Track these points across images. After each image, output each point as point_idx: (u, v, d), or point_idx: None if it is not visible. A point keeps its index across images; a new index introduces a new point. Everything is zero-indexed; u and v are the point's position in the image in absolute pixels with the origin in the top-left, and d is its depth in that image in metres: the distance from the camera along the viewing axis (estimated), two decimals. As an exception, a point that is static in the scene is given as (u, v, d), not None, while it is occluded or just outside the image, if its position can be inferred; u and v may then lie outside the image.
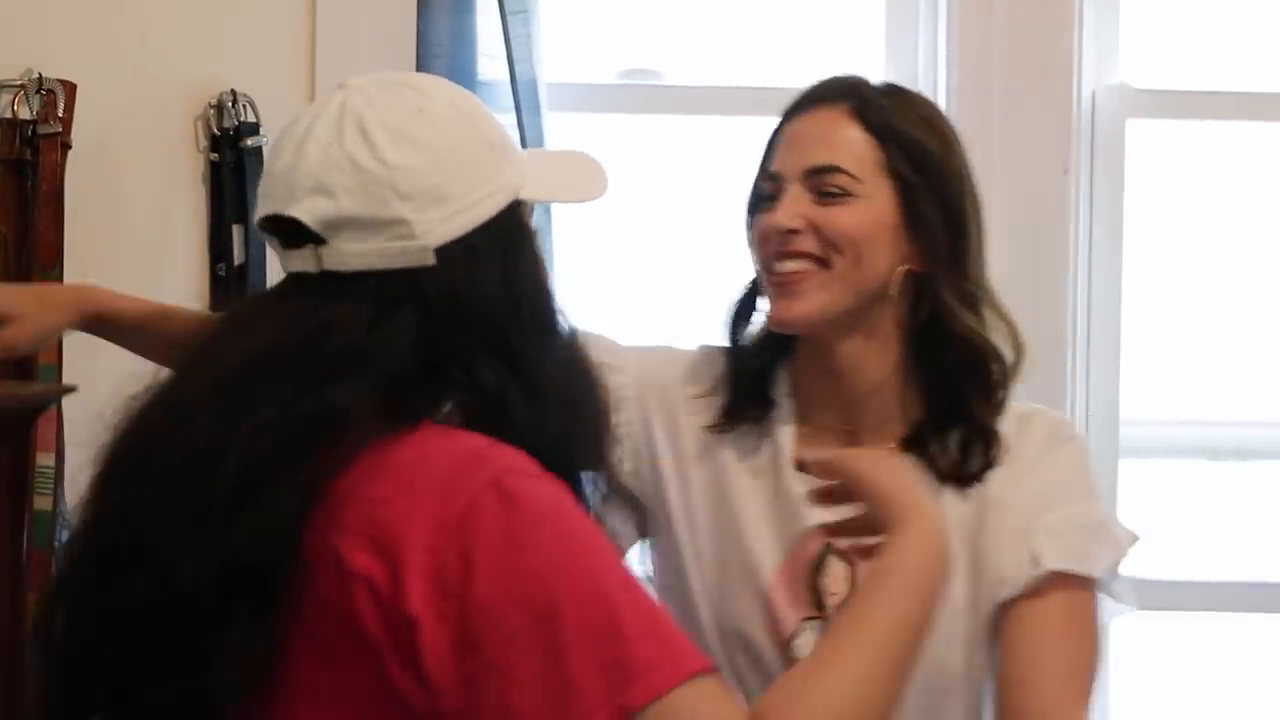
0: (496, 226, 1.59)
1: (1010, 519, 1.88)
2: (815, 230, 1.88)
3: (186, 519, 1.50)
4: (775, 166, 1.92)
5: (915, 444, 1.91)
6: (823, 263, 1.88)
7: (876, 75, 2.79)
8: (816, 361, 1.94)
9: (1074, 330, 2.79)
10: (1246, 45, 2.94)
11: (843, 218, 1.87)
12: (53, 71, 2.61)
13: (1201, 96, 2.90)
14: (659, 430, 1.99)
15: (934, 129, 1.94)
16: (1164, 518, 2.95)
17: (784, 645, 1.89)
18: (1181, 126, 2.93)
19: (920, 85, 2.82)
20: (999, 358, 1.92)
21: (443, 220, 1.57)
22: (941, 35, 2.80)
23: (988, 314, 1.93)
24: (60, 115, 2.60)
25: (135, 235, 2.69)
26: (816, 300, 1.88)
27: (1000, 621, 1.86)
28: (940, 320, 1.90)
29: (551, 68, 2.75)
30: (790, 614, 1.89)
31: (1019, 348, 1.94)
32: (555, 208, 2.66)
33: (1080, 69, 2.82)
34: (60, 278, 2.59)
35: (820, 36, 2.90)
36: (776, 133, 1.95)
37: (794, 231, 1.87)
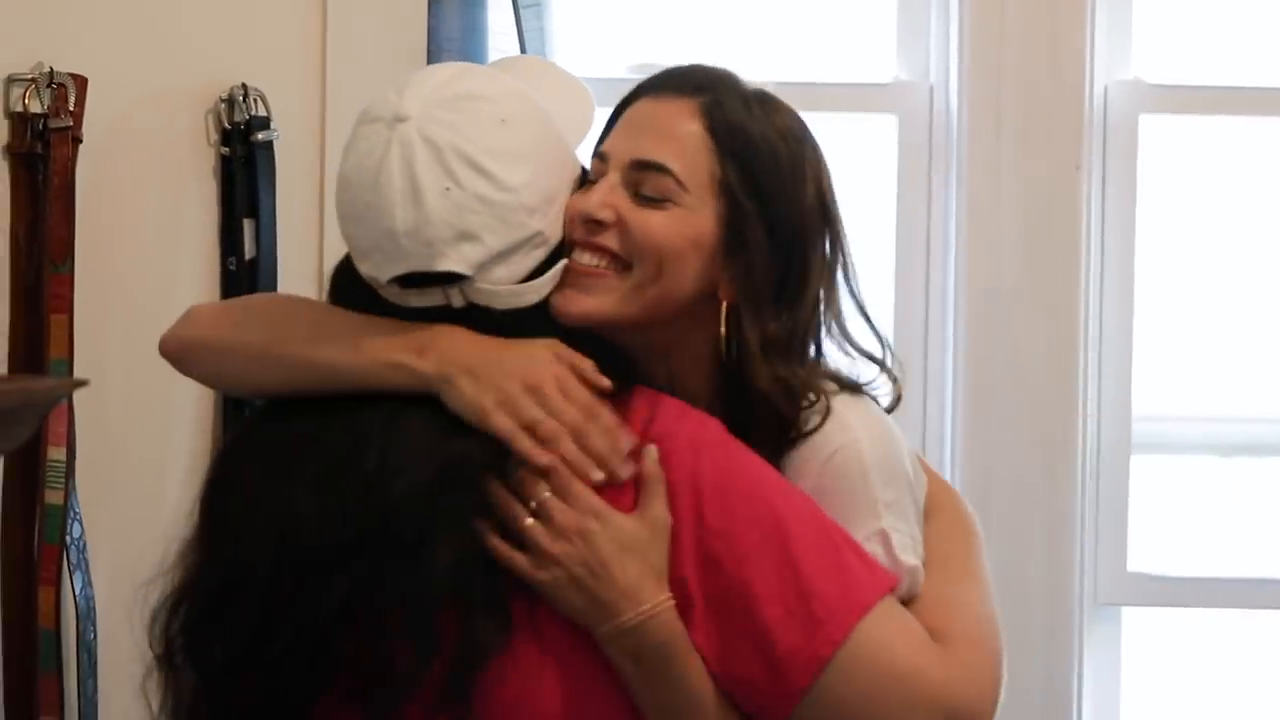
0: None
1: None
2: (623, 228, 1.72)
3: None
4: (605, 147, 1.77)
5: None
6: (623, 265, 1.73)
7: (889, 72, 2.84)
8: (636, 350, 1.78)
9: (1086, 326, 2.79)
10: (1260, 40, 2.92)
11: (654, 223, 1.71)
12: (64, 66, 2.61)
13: (1214, 91, 2.89)
14: None
15: (790, 149, 1.78)
16: (1175, 514, 2.94)
17: None
18: (1194, 122, 2.91)
19: (932, 81, 2.82)
20: (795, 409, 1.74)
21: (559, 215, 1.69)
22: (953, 31, 2.79)
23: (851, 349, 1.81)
24: (71, 109, 2.60)
25: (146, 230, 2.68)
26: (603, 302, 1.72)
27: None
28: (743, 362, 1.74)
29: (564, 61, 2.75)
30: None
31: (894, 384, 1.84)
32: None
33: (1092, 64, 2.81)
34: (71, 272, 2.58)
35: (831, 32, 2.89)
36: (620, 108, 1.80)
37: (600, 223, 1.72)
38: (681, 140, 1.73)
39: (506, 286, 1.66)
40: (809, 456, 1.73)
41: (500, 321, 1.67)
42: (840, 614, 1.60)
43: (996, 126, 2.74)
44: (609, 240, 1.72)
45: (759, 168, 1.74)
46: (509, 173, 1.61)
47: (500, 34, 2.72)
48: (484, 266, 1.62)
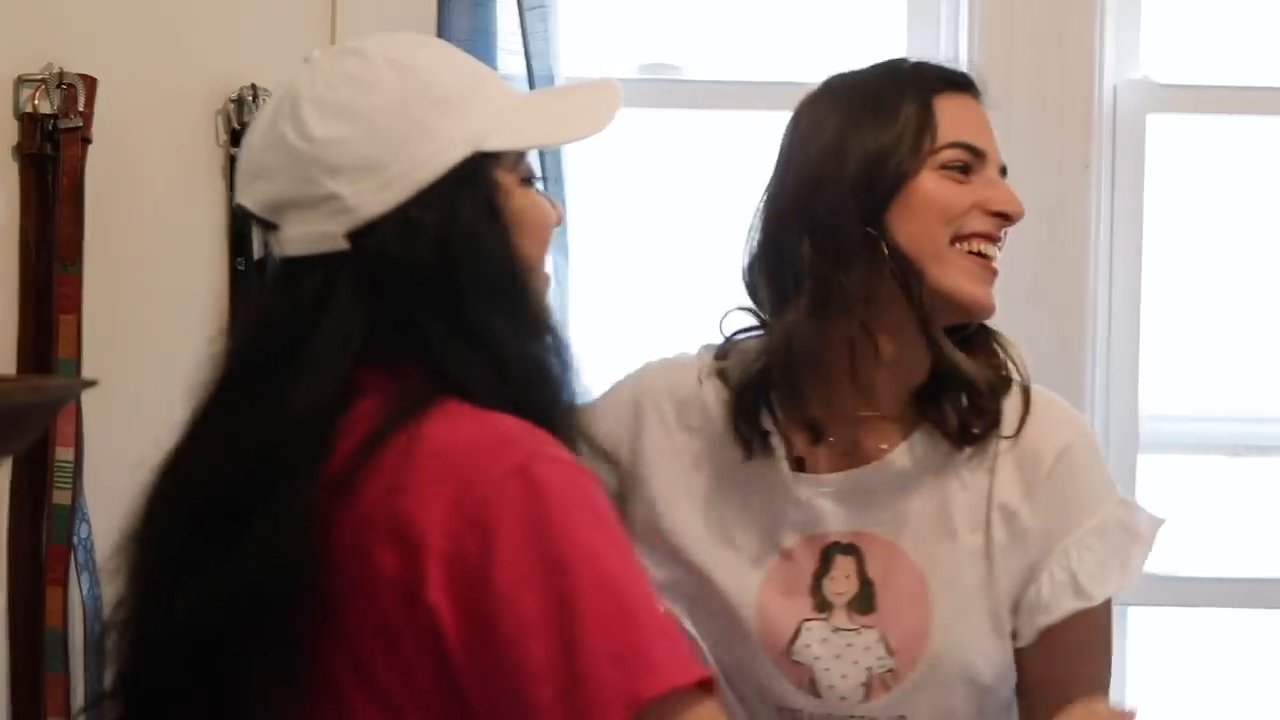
0: (447, 185, 1.53)
1: (1033, 541, 1.87)
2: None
3: (199, 554, 1.48)
4: (977, 143, 1.88)
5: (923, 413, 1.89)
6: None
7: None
8: (876, 352, 1.84)
9: (1094, 325, 2.78)
10: (1267, 39, 2.92)
11: None
12: (73, 66, 2.61)
13: (1223, 91, 2.89)
14: (649, 444, 1.92)
15: None
16: (1184, 513, 2.94)
17: (784, 649, 1.86)
18: (1203, 121, 2.91)
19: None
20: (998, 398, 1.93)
21: (379, 189, 1.52)
22: (963, 30, 2.79)
23: None
24: (81, 110, 2.60)
25: (155, 230, 2.68)
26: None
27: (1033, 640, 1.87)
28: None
29: (571, 62, 2.75)
30: (781, 613, 1.85)
31: None
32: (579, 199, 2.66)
33: (1102, 64, 2.81)
34: (80, 273, 2.58)
35: (842, 32, 2.89)
36: (933, 106, 1.86)
37: (1010, 218, 1.88)
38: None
39: (299, 243, 1.54)
40: (1036, 448, 1.86)
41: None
42: (612, 706, 1.38)
43: (1006, 126, 2.69)
44: (1002, 231, 1.88)
45: None
46: (318, 125, 1.52)
47: (509, 34, 2.72)
48: (274, 210, 1.54)
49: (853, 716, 1.83)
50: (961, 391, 1.86)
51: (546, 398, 1.54)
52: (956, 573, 1.85)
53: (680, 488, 1.91)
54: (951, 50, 2.80)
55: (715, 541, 1.88)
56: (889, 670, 1.83)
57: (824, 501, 1.87)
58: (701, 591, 1.88)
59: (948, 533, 1.86)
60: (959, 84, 1.91)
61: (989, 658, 1.86)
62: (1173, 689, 2.97)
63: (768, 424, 1.87)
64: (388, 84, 1.54)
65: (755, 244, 1.90)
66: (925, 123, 1.85)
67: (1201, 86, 2.89)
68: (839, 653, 1.84)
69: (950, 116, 1.87)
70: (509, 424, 1.49)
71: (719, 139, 2.89)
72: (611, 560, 1.43)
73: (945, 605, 1.84)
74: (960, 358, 1.85)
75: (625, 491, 1.92)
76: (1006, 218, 1.87)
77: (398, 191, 1.52)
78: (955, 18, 2.81)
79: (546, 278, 1.63)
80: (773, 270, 1.87)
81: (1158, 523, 1.91)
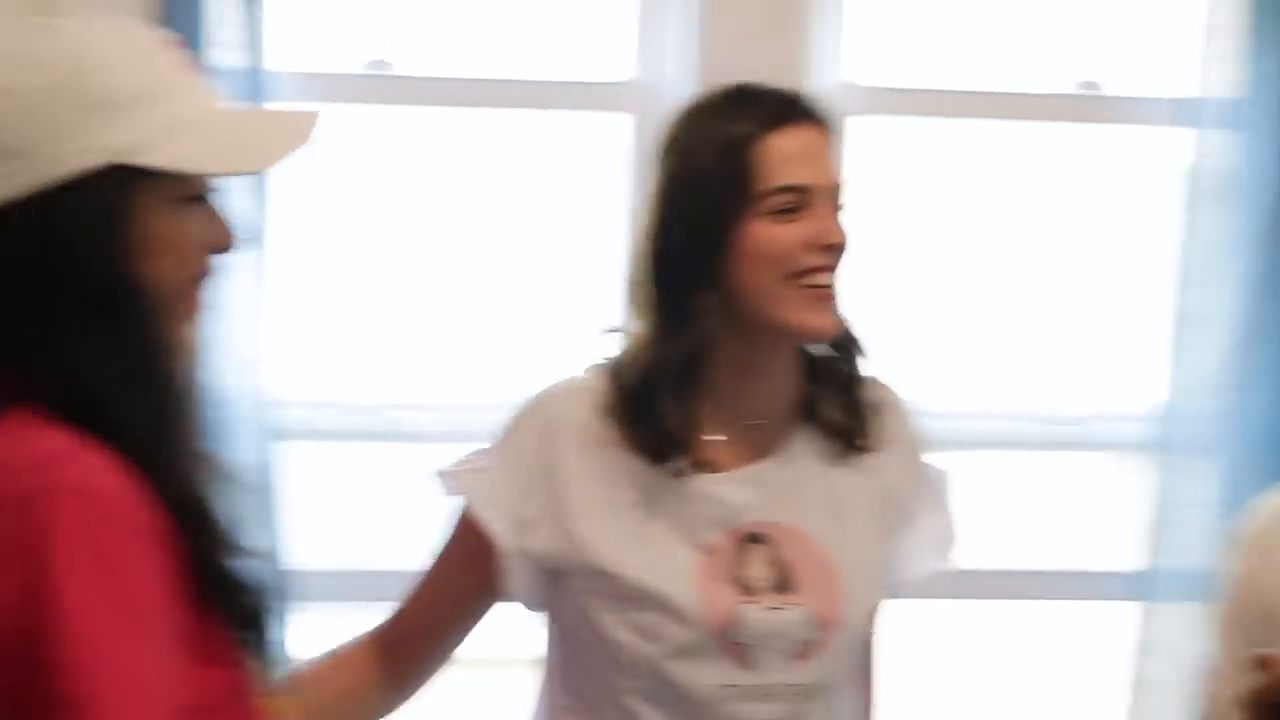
0: (70, 191, 1.44)
1: (907, 513, 2.07)
2: (843, 249, 1.96)
3: None
4: (803, 180, 1.92)
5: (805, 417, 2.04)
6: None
7: (626, 71, 2.85)
8: (749, 366, 1.97)
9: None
10: (966, 44, 3.03)
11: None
12: None
13: (924, 94, 2.99)
14: (565, 467, 1.98)
15: None
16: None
17: (723, 632, 1.96)
18: (905, 123, 3.01)
19: (670, 80, 2.84)
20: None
21: (4, 176, 1.44)
22: (689, 38, 2.82)
23: None
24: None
25: None
26: (837, 312, 1.97)
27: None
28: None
29: (291, 57, 2.68)
30: (720, 601, 1.95)
31: None
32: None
33: (808, 67, 2.87)
34: None
35: (568, 30, 2.89)
36: (761, 144, 1.92)
37: (839, 247, 1.93)
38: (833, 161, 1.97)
39: None
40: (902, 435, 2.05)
41: None
42: None
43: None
44: (837, 261, 1.94)
45: None
46: None
47: (220, 26, 2.64)
48: None
49: (784, 684, 1.97)
50: (836, 398, 2.03)
51: (136, 427, 1.45)
52: (859, 556, 2.02)
53: (601, 504, 1.98)
54: (679, 55, 2.82)
55: (642, 547, 1.97)
56: (814, 641, 1.98)
57: (732, 497, 1.98)
58: (634, 595, 1.96)
59: (843, 516, 2.02)
60: (785, 117, 1.95)
61: (874, 622, 2.10)
62: (941, 680, 3.05)
63: (669, 431, 1.97)
64: (55, 69, 1.45)
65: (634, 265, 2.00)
66: (746, 173, 1.92)
67: (902, 90, 2.98)
68: (773, 630, 1.96)
69: (775, 158, 1.92)
70: (55, 447, 1.40)
71: (435, 136, 2.86)
72: (94, 612, 1.34)
73: (851, 580, 2.01)
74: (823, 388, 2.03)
75: (547, 516, 1.98)
76: (834, 249, 1.93)
77: (19, 184, 1.44)
78: (679, 33, 2.84)
79: (193, 305, 1.54)
80: (639, 295, 1.99)
81: None
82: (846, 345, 2.02)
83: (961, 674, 3.12)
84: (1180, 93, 2.92)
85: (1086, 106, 3.04)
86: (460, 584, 2.05)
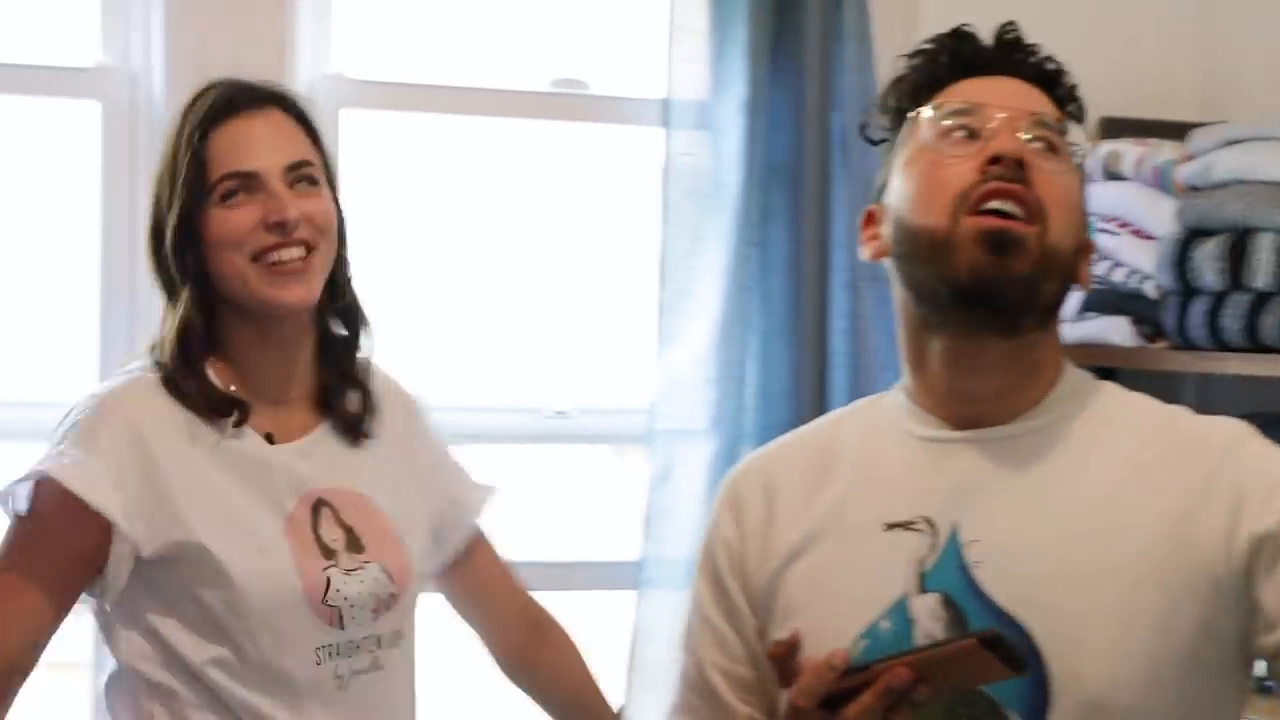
0: None
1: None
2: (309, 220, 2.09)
3: None
4: (243, 165, 2.06)
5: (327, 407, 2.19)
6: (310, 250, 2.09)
7: (92, 56, 2.81)
8: (258, 344, 2.12)
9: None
10: (454, 41, 3.06)
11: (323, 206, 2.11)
12: None
13: (414, 89, 3.01)
14: (164, 464, 2.05)
15: None
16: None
17: (320, 598, 2.08)
18: (394, 117, 3.03)
19: (135, 67, 2.80)
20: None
21: None
22: (156, 24, 2.78)
23: None
24: None
25: None
26: (311, 288, 2.10)
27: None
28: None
29: None
30: (312, 569, 2.08)
31: None
32: None
33: (295, 59, 2.87)
34: None
35: (32, 13, 2.82)
36: (205, 145, 2.07)
37: (287, 225, 2.05)
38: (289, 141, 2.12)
39: None
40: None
41: None
42: None
43: (201, 116, 2.74)
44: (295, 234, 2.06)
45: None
46: None
47: None
48: None
49: (365, 637, 2.12)
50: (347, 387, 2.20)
51: None
52: (404, 510, 2.21)
53: (199, 493, 2.06)
54: (144, 44, 2.79)
55: (236, 524, 2.07)
56: (390, 594, 2.14)
57: (296, 465, 2.12)
58: (229, 574, 2.04)
59: (384, 481, 2.20)
60: (231, 109, 2.09)
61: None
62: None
63: (214, 389, 2.09)
64: None
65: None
66: (195, 169, 2.07)
67: (393, 83, 3.00)
68: (357, 589, 2.11)
69: (220, 150, 2.07)
70: None
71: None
72: None
73: (410, 538, 2.20)
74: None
75: (147, 505, 2.03)
76: (283, 225, 2.06)
77: None
78: (146, 11, 2.80)
79: None
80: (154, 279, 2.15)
81: None
82: (353, 326, 2.20)
83: (466, 663, 3.13)
84: (652, 93, 2.99)
85: (569, 104, 3.11)
86: (54, 592, 2.02)
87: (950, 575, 1.64)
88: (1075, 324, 3.01)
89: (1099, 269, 2.91)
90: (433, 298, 3.06)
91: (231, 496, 2.06)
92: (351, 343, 2.20)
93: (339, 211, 2.15)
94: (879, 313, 2.99)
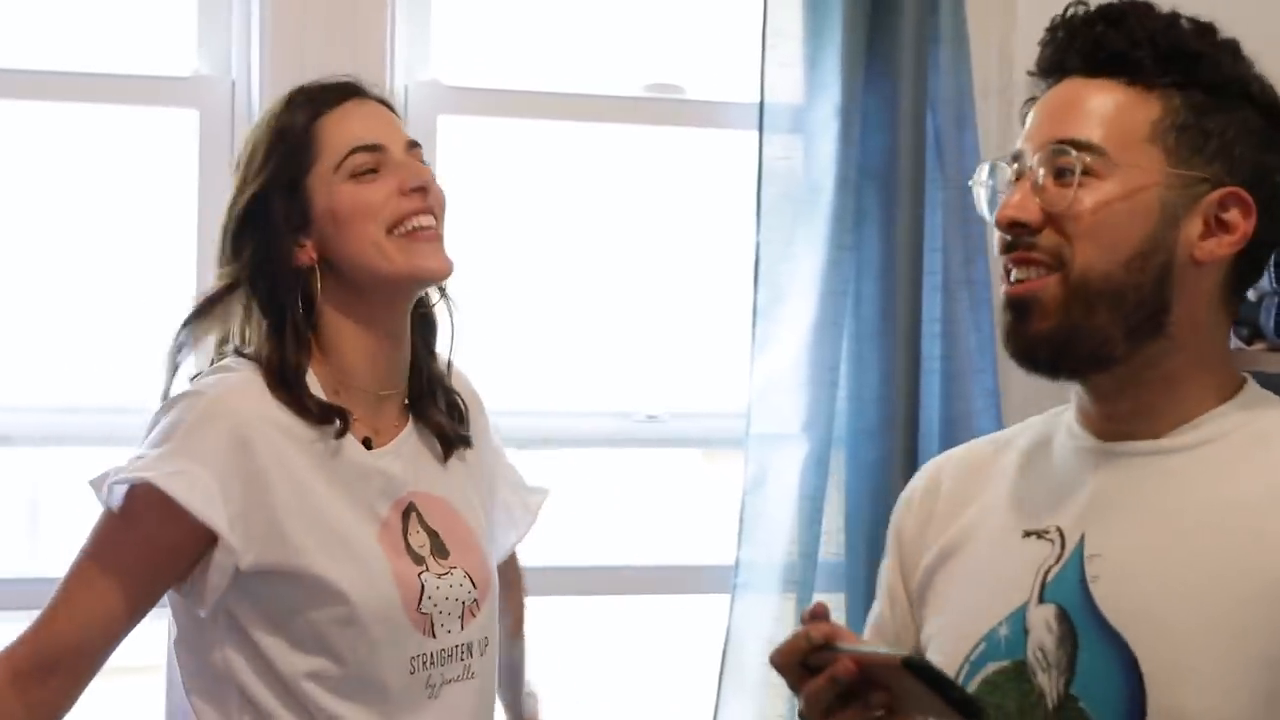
0: None
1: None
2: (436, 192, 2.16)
3: None
4: (369, 138, 2.12)
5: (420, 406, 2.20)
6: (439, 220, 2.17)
7: (189, 65, 2.83)
8: (380, 328, 2.12)
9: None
10: (548, 47, 3.07)
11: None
12: None
13: (507, 95, 3.02)
14: (267, 469, 2.04)
15: None
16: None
17: (416, 605, 2.08)
18: (490, 123, 3.04)
19: (234, 76, 2.84)
20: None
21: None
22: (254, 26, 2.81)
23: None
24: None
25: None
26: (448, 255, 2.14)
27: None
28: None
29: None
30: (408, 576, 2.08)
31: None
32: None
33: (393, 65, 2.89)
34: None
35: (131, 23, 2.86)
36: (317, 127, 2.12)
37: (427, 189, 2.12)
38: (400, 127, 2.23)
39: None
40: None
41: None
42: None
43: (299, 124, 2.76)
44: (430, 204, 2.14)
45: None
46: None
47: None
48: None
49: (457, 645, 2.11)
50: (437, 391, 2.22)
51: None
52: (481, 517, 2.22)
53: (303, 508, 2.04)
54: (243, 46, 2.82)
55: (335, 540, 2.05)
56: (474, 600, 2.14)
57: (391, 468, 2.12)
58: (335, 593, 2.04)
59: (461, 486, 2.20)
60: (341, 94, 2.13)
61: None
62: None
63: (329, 410, 2.09)
64: None
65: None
66: (311, 149, 2.08)
67: (489, 90, 3.01)
68: (446, 594, 2.10)
69: (337, 131, 2.10)
70: None
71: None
72: None
73: (487, 544, 2.21)
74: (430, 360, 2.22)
75: (252, 518, 2.02)
76: (424, 190, 2.10)
77: None
78: (246, 13, 2.83)
79: None
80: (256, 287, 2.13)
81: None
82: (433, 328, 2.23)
83: (559, 668, 3.14)
84: (747, 97, 2.99)
85: (663, 109, 3.10)
86: (130, 593, 2.01)
87: (1069, 588, 1.64)
88: None
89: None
90: (528, 302, 3.07)
91: (333, 509, 2.05)
92: (431, 342, 2.23)
93: None
94: (972, 316, 2.98)
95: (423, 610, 2.08)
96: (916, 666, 1.51)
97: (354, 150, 2.08)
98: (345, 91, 2.14)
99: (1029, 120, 1.70)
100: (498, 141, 3.06)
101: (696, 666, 3.09)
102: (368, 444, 2.10)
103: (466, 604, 2.12)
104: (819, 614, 1.59)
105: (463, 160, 2.97)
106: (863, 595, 2.97)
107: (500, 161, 3.07)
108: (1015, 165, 1.68)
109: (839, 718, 1.56)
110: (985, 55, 3.08)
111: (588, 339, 3.12)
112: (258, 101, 2.79)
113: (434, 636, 2.09)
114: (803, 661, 1.57)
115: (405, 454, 2.14)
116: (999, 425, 2.99)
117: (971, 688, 1.66)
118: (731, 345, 3.04)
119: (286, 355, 2.06)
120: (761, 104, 2.94)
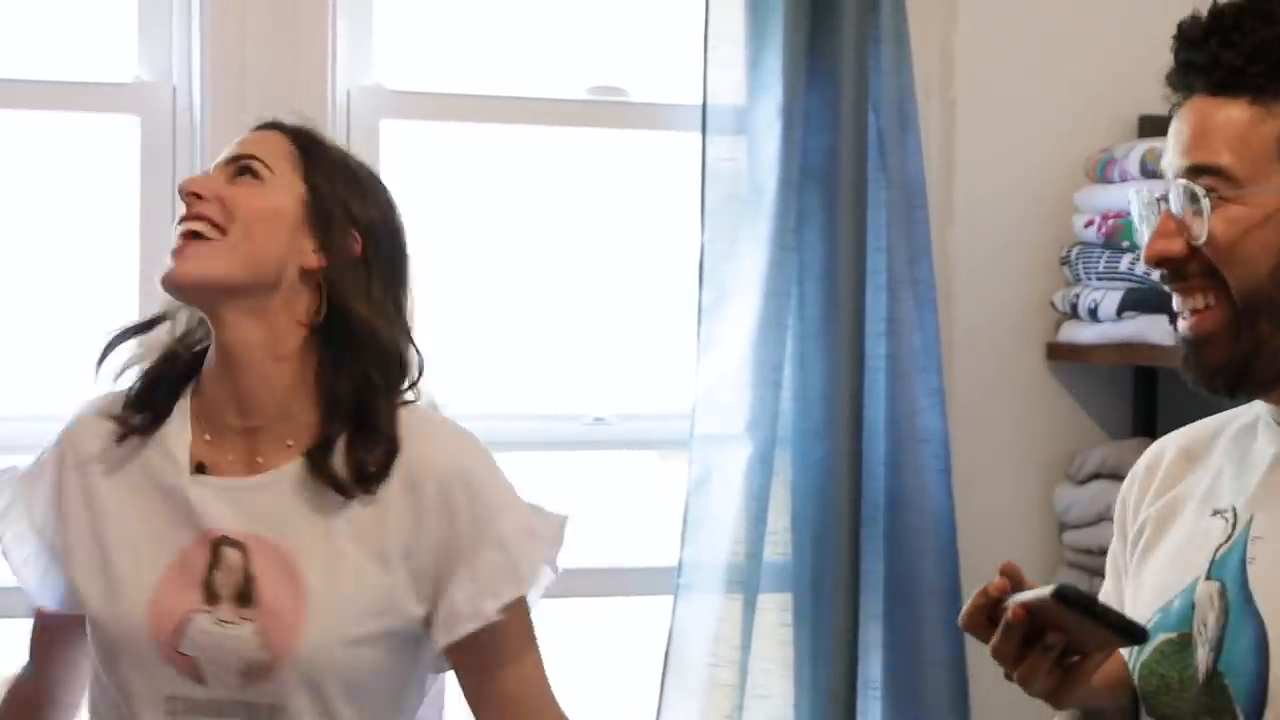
0: None
1: (430, 566, 2.00)
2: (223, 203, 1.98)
3: None
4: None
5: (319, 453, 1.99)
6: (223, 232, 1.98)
7: (130, 71, 2.83)
8: (216, 354, 2.00)
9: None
10: (493, 50, 3.07)
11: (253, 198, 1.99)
12: None
13: (452, 99, 3.02)
14: (71, 484, 2.03)
15: None
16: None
17: (172, 642, 1.95)
18: (434, 127, 3.04)
19: (175, 82, 2.83)
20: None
21: None
22: (195, 32, 2.80)
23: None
24: None
25: None
26: (193, 265, 1.97)
27: (460, 655, 2.03)
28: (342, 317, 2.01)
29: None
30: (173, 610, 1.95)
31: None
32: None
33: (335, 70, 2.89)
34: None
35: (71, 29, 2.85)
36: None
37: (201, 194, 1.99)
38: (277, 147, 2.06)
39: None
40: (424, 479, 2.01)
41: None
42: None
43: (240, 129, 2.75)
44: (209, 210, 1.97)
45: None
46: None
47: None
48: None
49: (233, 701, 1.95)
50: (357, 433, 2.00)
51: None
52: (341, 587, 1.97)
53: (86, 508, 2.02)
54: (184, 52, 2.81)
55: (119, 552, 2.00)
56: (265, 662, 1.94)
57: (219, 502, 1.98)
58: (87, 606, 2.00)
59: (336, 550, 1.98)
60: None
61: (373, 665, 2.00)
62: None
63: (172, 425, 2.02)
64: None
65: None
66: None
67: (431, 94, 3.01)
68: (220, 643, 1.94)
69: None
70: None
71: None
72: None
73: (325, 614, 1.96)
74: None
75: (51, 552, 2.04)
76: (182, 190, 2.00)
77: None
78: (187, 19, 2.82)
79: None
80: None
81: (562, 519, 2.08)
82: (382, 369, 2.02)
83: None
84: (690, 99, 2.99)
85: (606, 111, 3.11)
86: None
87: (1232, 566, 1.70)
88: (1115, 324, 3.01)
89: (1140, 268, 2.90)
90: (472, 306, 3.07)
91: (120, 522, 2.00)
92: (371, 388, 1.99)
93: (339, 243, 2.01)
94: (917, 315, 3.00)
95: (182, 651, 1.95)
96: (1069, 598, 1.56)
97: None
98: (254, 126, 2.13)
99: (1167, 143, 1.73)
100: (442, 146, 3.06)
101: (640, 669, 3.10)
102: (201, 469, 2.00)
103: (249, 661, 1.94)
104: (1008, 572, 1.64)
105: (406, 165, 2.97)
106: (809, 595, 2.99)
107: (444, 166, 3.07)
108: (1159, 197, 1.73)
109: (1028, 665, 1.62)
110: (927, 55, 3.10)
111: (534, 342, 3.12)
112: (199, 107, 2.78)
113: (203, 684, 1.95)
114: (989, 618, 1.64)
115: (252, 495, 1.98)
116: (944, 423, 3.02)
117: (1144, 658, 1.75)
118: (677, 346, 3.05)
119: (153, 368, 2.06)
120: (704, 105, 2.95)
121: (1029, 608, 1.58)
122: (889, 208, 2.99)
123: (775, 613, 3.02)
